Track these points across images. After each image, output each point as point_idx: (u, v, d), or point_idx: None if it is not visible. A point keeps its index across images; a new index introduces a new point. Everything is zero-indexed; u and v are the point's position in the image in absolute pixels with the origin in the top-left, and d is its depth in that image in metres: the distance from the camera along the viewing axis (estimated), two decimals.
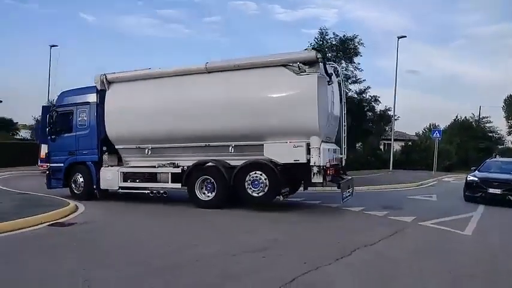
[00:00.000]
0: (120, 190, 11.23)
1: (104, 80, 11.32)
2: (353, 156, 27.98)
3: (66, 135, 11.90)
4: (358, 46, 32.43)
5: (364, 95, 34.17)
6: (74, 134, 11.75)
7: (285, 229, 8.04)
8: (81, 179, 11.64)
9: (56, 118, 12.10)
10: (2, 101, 33.04)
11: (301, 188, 10.99)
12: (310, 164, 9.09)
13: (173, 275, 4.91)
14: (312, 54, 9.25)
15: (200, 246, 6.43)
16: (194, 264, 5.38)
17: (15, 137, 36.20)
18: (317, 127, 9.06)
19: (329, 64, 10.59)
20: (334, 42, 32.85)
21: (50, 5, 76.91)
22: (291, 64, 9.37)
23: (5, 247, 6.33)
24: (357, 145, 33.59)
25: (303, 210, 10.35)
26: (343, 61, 33.37)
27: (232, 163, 9.91)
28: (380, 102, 33.92)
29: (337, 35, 32.14)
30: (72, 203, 9.93)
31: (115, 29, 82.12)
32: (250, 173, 9.52)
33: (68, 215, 8.94)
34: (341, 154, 10.60)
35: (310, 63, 9.23)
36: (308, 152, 9.14)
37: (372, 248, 6.29)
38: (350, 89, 34.24)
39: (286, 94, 9.39)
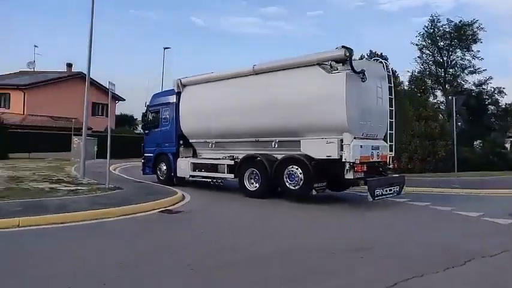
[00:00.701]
0: (190, 178, 12.85)
1: (179, 84, 13.14)
2: (470, 156, 25.01)
3: (155, 130, 14.11)
4: (478, 32, 28.93)
5: (485, 87, 30.41)
6: (160, 129, 13.87)
7: (383, 229, 7.54)
8: (164, 167, 13.70)
9: (149, 116, 14.46)
10: (125, 100, 37.34)
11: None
12: (342, 160, 9.25)
13: (267, 266, 4.91)
14: (341, 52, 9.34)
15: (295, 238, 6.39)
16: (288, 256, 5.32)
17: (135, 131, 40.82)
18: (346, 124, 9.24)
19: (375, 60, 10.49)
20: (447, 30, 29.81)
21: (164, 12, 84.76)
22: (325, 63, 9.66)
23: (130, 226, 7.39)
24: (475, 143, 30.00)
25: (404, 209, 9.56)
26: (458, 50, 30.15)
27: (277, 157, 10.66)
28: (506, 94, 29.86)
29: (452, 21, 29.13)
30: (180, 193, 10.76)
31: (220, 30, 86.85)
32: (288, 167, 10.15)
33: (176, 203, 9.70)
34: (390, 151, 10.45)
35: (342, 61, 9.41)
36: (341, 148, 9.32)
37: (491, 259, 5.44)
38: (466, 81, 30.78)
39: (318, 92, 9.66)
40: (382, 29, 75.87)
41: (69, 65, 37.88)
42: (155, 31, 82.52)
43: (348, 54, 9.22)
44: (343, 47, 9.32)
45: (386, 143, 10.44)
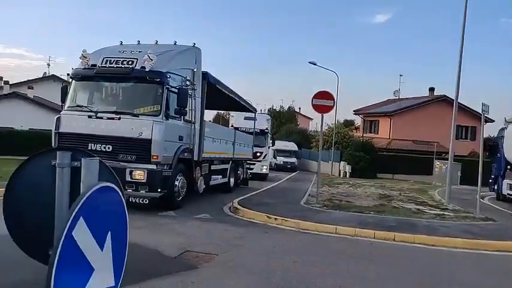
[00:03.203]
0: (507, 195, 15.44)
1: (505, 120, 16.29)
2: None
3: (495, 156, 17.54)
4: None
5: None
6: (497, 156, 17.13)
7: None
8: (496, 186, 17.08)
9: (493, 145, 18.06)
10: (494, 121, 33.70)
11: None
12: None
13: None
14: None
15: None
16: None
17: None
18: None
19: None
20: None
21: None
22: None
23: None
24: None
25: None
26: None
27: None
28: None
29: None
30: None
31: None
32: None
33: None
34: None
35: None
36: None
37: None
38: None
39: None
40: None
41: (431, 89, 38.75)
42: None
43: None
44: None
45: None
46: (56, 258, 1.62)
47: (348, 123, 49.29)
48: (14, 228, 2.37)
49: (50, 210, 2.14)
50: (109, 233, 2.00)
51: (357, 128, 44.01)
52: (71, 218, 1.69)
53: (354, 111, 44.85)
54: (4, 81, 35.14)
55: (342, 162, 30.48)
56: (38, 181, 2.30)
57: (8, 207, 2.36)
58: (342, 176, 29.58)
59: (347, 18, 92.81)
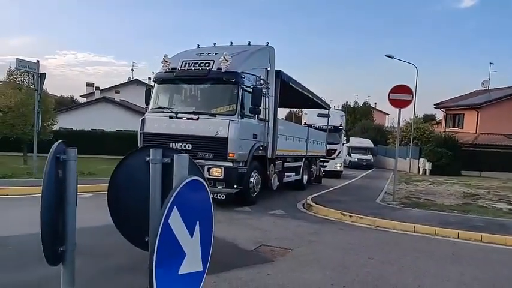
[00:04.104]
0: None
1: None
2: None
3: None
4: None
5: None
6: None
7: None
8: None
9: None
10: None
11: None
12: None
13: None
14: None
15: None
16: None
17: None
18: None
19: None
20: None
21: None
22: None
23: None
24: None
25: None
26: None
27: None
28: None
29: None
30: None
31: None
32: None
33: None
34: None
35: None
36: None
37: None
38: None
39: None
40: None
41: None
42: None
43: None
44: None
45: None
46: (157, 242, 1.86)
47: (428, 118, 46.33)
48: (117, 218, 2.70)
49: (145, 201, 2.42)
50: (197, 222, 2.21)
51: (438, 123, 41.19)
52: (167, 206, 1.92)
53: (435, 104, 41.99)
54: (95, 87, 38.94)
55: (422, 159, 28.78)
56: (134, 176, 2.59)
57: (112, 200, 2.70)
58: (421, 173, 27.96)
59: (427, 5, 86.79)
